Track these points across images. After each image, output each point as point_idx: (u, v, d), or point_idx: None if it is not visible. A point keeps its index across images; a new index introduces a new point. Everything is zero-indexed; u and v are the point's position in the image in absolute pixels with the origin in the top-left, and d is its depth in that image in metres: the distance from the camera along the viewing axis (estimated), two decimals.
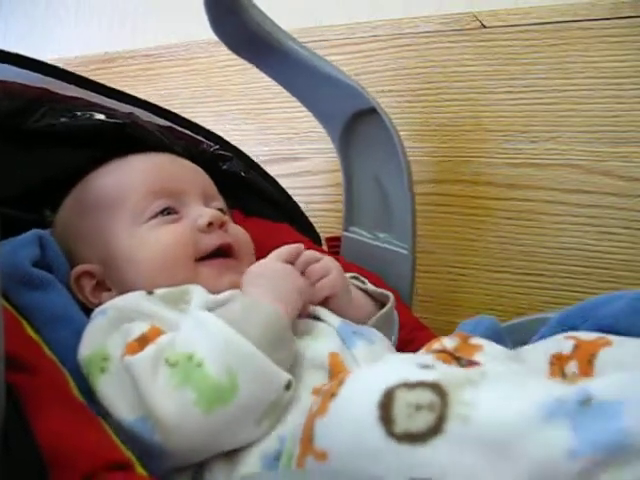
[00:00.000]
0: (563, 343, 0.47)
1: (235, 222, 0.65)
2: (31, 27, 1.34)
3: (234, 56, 0.74)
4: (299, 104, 0.78)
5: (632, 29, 0.76)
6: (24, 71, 0.62)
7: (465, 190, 0.88)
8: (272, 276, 0.52)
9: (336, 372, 0.47)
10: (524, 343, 0.52)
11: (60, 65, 0.67)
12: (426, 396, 0.31)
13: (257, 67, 0.75)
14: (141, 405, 0.43)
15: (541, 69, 0.82)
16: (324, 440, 0.34)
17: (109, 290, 0.56)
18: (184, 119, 0.74)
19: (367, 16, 0.95)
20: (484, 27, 0.84)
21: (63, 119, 0.64)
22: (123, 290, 0.54)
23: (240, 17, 0.67)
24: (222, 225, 0.58)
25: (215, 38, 0.70)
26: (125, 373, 0.45)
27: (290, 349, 0.48)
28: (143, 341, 0.46)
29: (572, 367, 0.45)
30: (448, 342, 0.45)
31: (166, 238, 0.56)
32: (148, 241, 0.56)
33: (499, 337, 0.53)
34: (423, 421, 0.31)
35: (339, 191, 0.96)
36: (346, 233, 0.80)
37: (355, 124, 0.75)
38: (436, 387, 0.32)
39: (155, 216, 0.57)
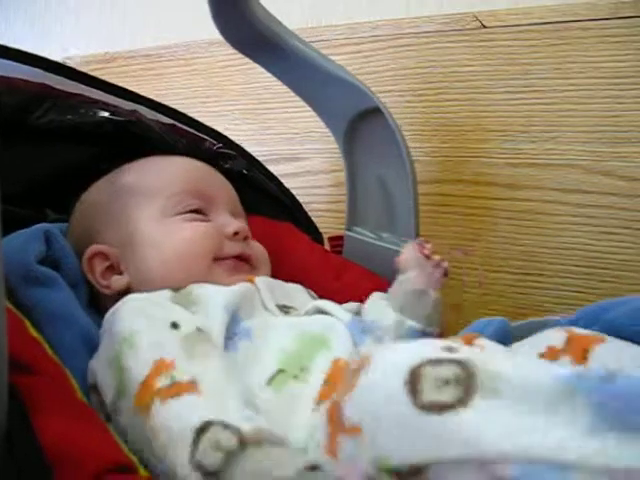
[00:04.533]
0: (554, 335, 0.47)
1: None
2: (30, 27, 1.34)
3: (234, 56, 0.74)
4: (299, 104, 0.78)
5: (632, 29, 0.76)
6: (25, 67, 0.62)
7: (465, 190, 0.88)
8: None
9: (331, 380, 0.46)
10: None
11: None
12: (452, 371, 0.33)
13: (261, 65, 0.74)
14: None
15: (541, 69, 0.81)
16: (354, 415, 0.34)
17: (120, 274, 0.58)
18: (187, 116, 0.74)
19: (367, 16, 0.95)
20: (484, 27, 0.84)
21: (68, 116, 0.64)
22: (137, 276, 0.56)
23: (245, 15, 0.66)
24: (246, 238, 0.61)
25: (216, 38, 0.70)
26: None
27: None
28: (178, 388, 0.42)
29: (565, 362, 0.44)
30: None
31: (192, 232, 0.58)
32: (174, 231, 0.58)
33: (507, 338, 0.53)
34: (450, 394, 0.32)
35: (339, 191, 0.96)
36: (348, 233, 0.79)
37: (359, 124, 0.74)
38: (462, 363, 0.33)
39: (185, 212, 0.60)
